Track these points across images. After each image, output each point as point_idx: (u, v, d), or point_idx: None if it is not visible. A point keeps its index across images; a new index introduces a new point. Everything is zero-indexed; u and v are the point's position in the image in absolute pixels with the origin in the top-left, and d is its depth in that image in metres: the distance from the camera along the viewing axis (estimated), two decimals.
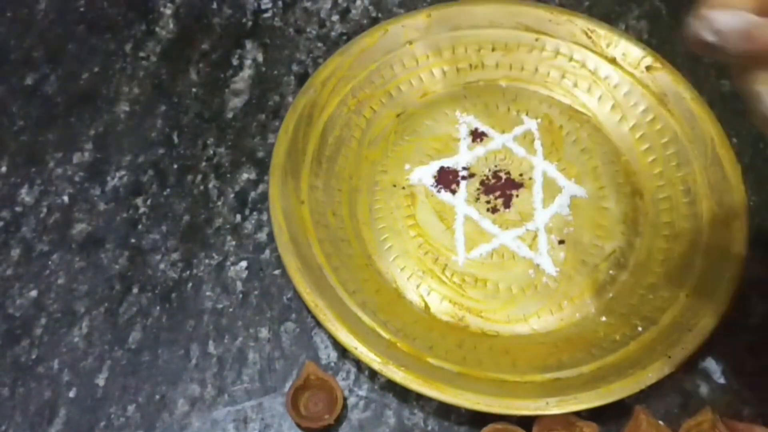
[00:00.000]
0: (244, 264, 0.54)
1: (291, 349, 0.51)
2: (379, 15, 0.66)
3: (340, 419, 0.48)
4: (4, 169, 0.58)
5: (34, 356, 0.50)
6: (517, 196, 0.56)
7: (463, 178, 0.57)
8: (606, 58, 0.60)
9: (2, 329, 0.51)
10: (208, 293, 0.53)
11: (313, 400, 0.48)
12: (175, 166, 0.58)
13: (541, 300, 0.52)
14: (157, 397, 0.49)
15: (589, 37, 0.60)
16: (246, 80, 0.62)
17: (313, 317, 0.49)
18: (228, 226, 0.55)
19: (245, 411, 0.49)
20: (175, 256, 0.54)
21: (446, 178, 0.57)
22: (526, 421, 0.46)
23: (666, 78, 0.58)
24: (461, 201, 0.56)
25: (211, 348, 0.51)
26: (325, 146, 0.57)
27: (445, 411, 0.48)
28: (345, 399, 0.48)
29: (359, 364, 0.50)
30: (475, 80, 0.61)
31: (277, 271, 0.54)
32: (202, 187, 0.57)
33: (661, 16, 0.66)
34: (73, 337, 0.51)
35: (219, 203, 0.56)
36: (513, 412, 0.46)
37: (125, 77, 0.62)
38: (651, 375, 0.46)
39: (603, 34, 0.60)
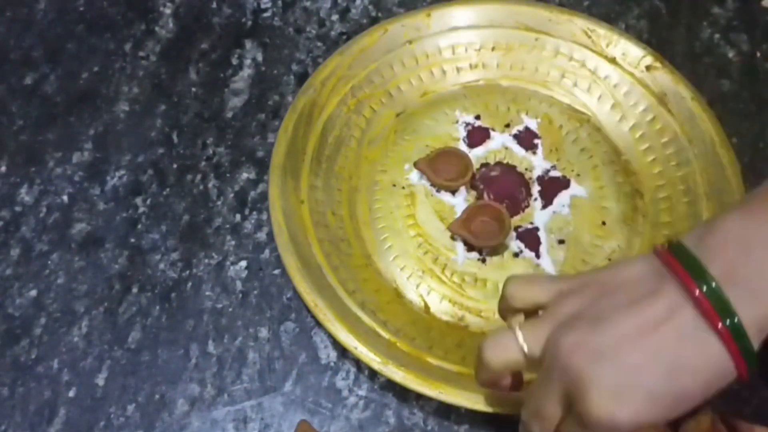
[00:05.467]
0: (243, 264, 0.54)
1: (291, 348, 0.51)
2: (379, 14, 0.66)
3: None
4: (3, 168, 0.58)
5: (33, 356, 0.50)
6: (517, 195, 0.55)
7: None
8: (606, 57, 0.60)
9: (2, 329, 0.51)
10: (207, 293, 0.53)
11: None
12: (175, 166, 0.58)
13: None
14: (157, 396, 0.49)
15: (589, 37, 0.60)
16: (246, 80, 0.62)
17: (313, 317, 0.49)
18: (227, 226, 0.55)
19: (245, 411, 0.49)
20: (174, 255, 0.54)
21: None
22: None
23: (666, 78, 0.58)
24: (461, 200, 0.56)
25: (211, 348, 0.51)
26: (325, 146, 0.57)
27: (444, 411, 0.48)
28: None
29: (359, 364, 0.50)
30: (475, 80, 0.61)
31: (276, 271, 0.54)
32: (201, 187, 0.57)
33: (661, 15, 0.66)
34: (73, 336, 0.51)
35: (218, 203, 0.56)
36: (513, 411, 0.46)
37: (125, 77, 0.62)
38: None
39: (603, 33, 0.60)
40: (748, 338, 0.32)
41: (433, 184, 0.56)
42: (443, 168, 0.56)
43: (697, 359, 0.33)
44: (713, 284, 0.32)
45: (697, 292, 0.33)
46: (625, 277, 0.36)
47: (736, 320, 0.32)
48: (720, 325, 0.32)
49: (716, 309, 0.32)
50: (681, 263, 0.34)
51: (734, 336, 0.32)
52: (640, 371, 0.33)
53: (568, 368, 0.34)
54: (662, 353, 0.33)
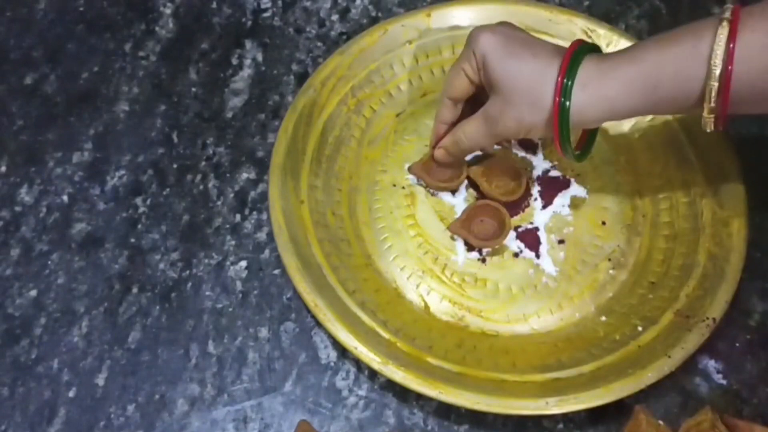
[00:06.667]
0: (243, 264, 0.54)
1: (291, 348, 0.51)
2: (379, 14, 0.66)
3: None
4: (3, 168, 0.58)
5: (33, 356, 0.50)
6: (517, 195, 0.55)
7: None
8: None
9: (2, 329, 0.51)
10: (207, 293, 0.53)
11: None
12: (175, 166, 0.58)
13: (541, 300, 0.52)
14: (157, 396, 0.49)
15: (589, 37, 0.60)
16: (245, 80, 0.62)
17: (313, 317, 0.49)
18: (228, 226, 0.55)
19: (245, 411, 0.49)
20: (174, 255, 0.54)
21: None
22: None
23: None
24: (461, 201, 0.56)
25: (211, 348, 0.51)
26: (325, 146, 0.57)
27: (444, 411, 0.48)
28: None
29: (359, 364, 0.50)
30: None
31: (276, 271, 0.54)
32: (201, 187, 0.57)
33: (661, 15, 0.66)
34: (73, 336, 0.51)
35: (218, 203, 0.56)
36: (513, 411, 0.46)
37: (125, 77, 0.62)
38: (651, 375, 0.46)
39: (603, 33, 0.60)
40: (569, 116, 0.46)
41: (428, 187, 0.56)
42: (437, 170, 0.56)
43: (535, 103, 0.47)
44: (571, 82, 0.45)
45: (563, 75, 0.45)
46: (542, 42, 0.49)
47: (567, 104, 0.45)
48: (558, 99, 0.45)
49: (563, 90, 0.45)
50: (571, 58, 0.45)
51: (560, 110, 0.45)
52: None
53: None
54: (531, 68, 0.47)
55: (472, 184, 0.56)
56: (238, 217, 0.56)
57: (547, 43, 0.49)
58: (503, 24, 0.51)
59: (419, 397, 0.48)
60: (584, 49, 0.46)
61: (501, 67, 0.47)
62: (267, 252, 0.54)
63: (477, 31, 0.49)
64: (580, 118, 0.46)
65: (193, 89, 0.62)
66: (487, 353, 0.49)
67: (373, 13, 0.66)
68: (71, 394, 0.49)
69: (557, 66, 0.46)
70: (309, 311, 0.50)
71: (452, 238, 0.54)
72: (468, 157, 0.57)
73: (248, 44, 0.64)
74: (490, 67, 0.48)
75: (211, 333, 0.51)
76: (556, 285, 0.53)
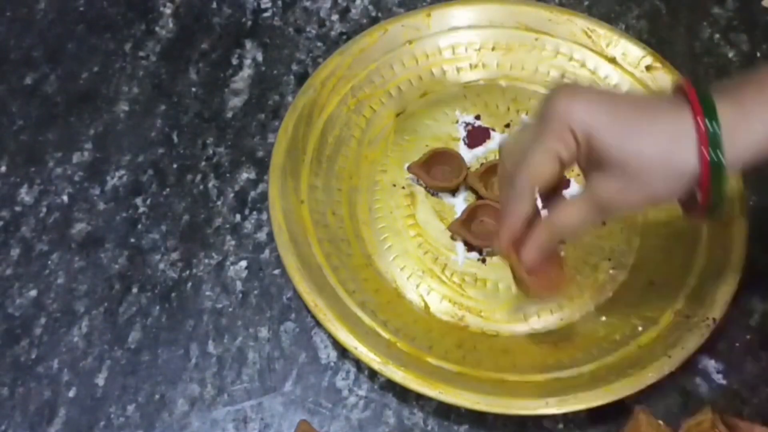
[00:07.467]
0: (243, 264, 0.54)
1: (291, 348, 0.51)
2: (379, 14, 0.66)
3: None
4: (3, 168, 0.58)
5: (33, 356, 0.50)
6: None
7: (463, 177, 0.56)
8: (606, 57, 0.60)
9: (2, 329, 0.51)
10: (207, 293, 0.53)
11: None
12: (175, 166, 0.58)
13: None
14: (157, 396, 0.49)
15: (589, 37, 0.60)
16: (246, 80, 0.62)
17: (313, 317, 0.49)
18: (228, 226, 0.55)
19: (245, 410, 0.49)
20: (174, 255, 0.54)
21: None
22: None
23: (666, 77, 0.58)
24: (461, 201, 0.56)
25: (211, 348, 0.51)
26: (325, 146, 0.57)
27: (444, 411, 0.48)
28: None
29: (359, 364, 0.50)
30: (475, 80, 0.61)
31: (276, 271, 0.54)
32: (201, 187, 0.57)
33: (661, 15, 0.66)
34: (73, 336, 0.51)
35: (219, 203, 0.56)
36: (513, 411, 0.46)
37: (125, 77, 0.62)
38: (651, 375, 0.46)
39: (603, 33, 0.60)
40: (724, 170, 0.38)
41: (427, 187, 0.56)
42: (437, 169, 0.56)
43: (678, 161, 0.39)
44: (715, 123, 0.38)
45: (702, 122, 0.38)
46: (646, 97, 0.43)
47: (722, 161, 0.38)
48: (706, 170, 0.38)
49: (710, 140, 0.38)
50: (699, 97, 0.39)
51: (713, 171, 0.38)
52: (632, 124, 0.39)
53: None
54: (657, 133, 0.39)
55: (471, 188, 0.56)
56: (238, 217, 0.56)
57: (647, 99, 0.42)
58: (581, 86, 0.43)
59: (419, 397, 0.48)
60: (705, 94, 0.39)
61: (619, 144, 0.39)
62: (267, 252, 0.54)
63: (566, 101, 0.40)
64: (730, 174, 0.39)
65: (193, 89, 0.62)
66: (487, 353, 0.49)
67: (373, 13, 0.66)
68: (71, 394, 0.49)
69: (690, 123, 0.38)
70: (309, 311, 0.50)
71: (452, 238, 0.54)
72: (467, 158, 0.57)
73: (248, 44, 0.64)
74: (603, 144, 0.39)
75: (211, 333, 0.51)
76: None
